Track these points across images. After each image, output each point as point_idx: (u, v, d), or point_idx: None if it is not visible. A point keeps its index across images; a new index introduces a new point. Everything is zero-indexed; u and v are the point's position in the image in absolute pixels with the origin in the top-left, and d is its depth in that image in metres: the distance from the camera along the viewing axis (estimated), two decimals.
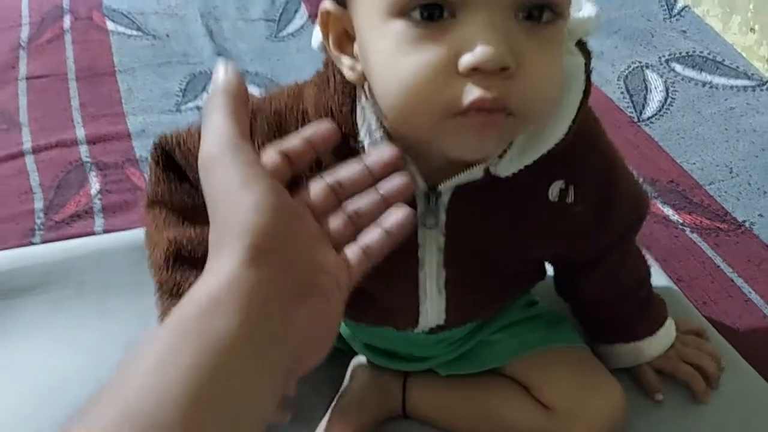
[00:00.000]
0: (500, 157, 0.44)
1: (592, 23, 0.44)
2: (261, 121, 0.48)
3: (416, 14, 0.36)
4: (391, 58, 0.37)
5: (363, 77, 0.41)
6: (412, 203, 0.45)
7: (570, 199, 0.48)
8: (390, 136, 0.43)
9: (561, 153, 0.45)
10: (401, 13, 0.36)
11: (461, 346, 0.62)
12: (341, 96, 0.44)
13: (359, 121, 0.44)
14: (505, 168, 0.45)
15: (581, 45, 0.45)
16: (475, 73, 0.35)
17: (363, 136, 0.44)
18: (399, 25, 0.37)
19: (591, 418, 0.58)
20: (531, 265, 0.59)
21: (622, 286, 0.62)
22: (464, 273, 0.51)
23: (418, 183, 0.46)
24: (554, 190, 0.48)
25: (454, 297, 0.53)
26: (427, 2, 0.35)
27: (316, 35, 0.45)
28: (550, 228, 0.50)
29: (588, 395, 0.59)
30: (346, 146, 0.45)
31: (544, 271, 0.62)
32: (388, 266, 0.46)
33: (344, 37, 0.41)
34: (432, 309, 0.53)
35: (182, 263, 0.52)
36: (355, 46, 0.41)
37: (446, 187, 0.46)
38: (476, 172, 0.45)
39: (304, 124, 0.46)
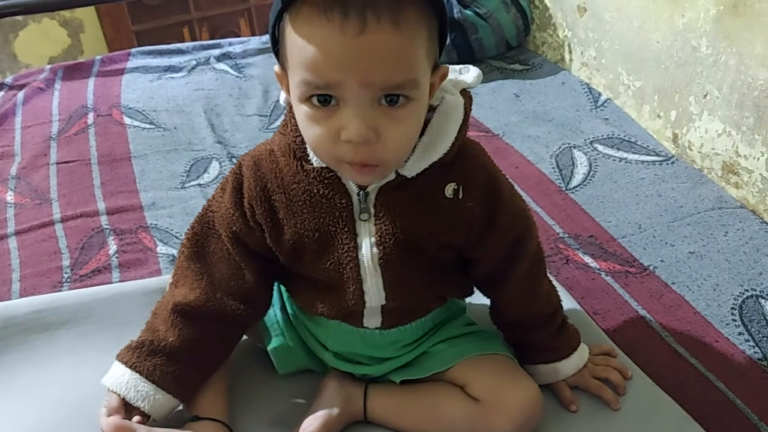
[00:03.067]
0: (405, 162, 0.63)
1: (470, 84, 0.66)
2: (245, 167, 0.69)
3: (315, 100, 0.56)
4: (304, 126, 0.59)
5: None
6: (349, 201, 0.65)
7: (461, 195, 0.66)
8: None
9: (452, 163, 0.65)
10: (306, 99, 0.57)
11: (411, 351, 0.75)
12: (295, 133, 0.64)
13: (308, 147, 0.64)
14: (409, 170, 0.64)
15: (465, 91, 0.66)
16: (350, 142, 0.56)
17: (312, 156, 0.64)
18: (305, 107, 0.57)
19: (510, 409, 0.69)
20: (450, 258, 0.71)
21: (537, 311, 0.75)
22: (392, 251, 0.66)
23: (351, 186, 0.65)
24: (449, 190, 0.66)
25: (387, 274, 0.68)
26: (320, 93, 0.56)
27: (283, 95, 0.66)
28: (450, 218, 0.67)
29: (508, 390, 0.70)
30: (301, 167, 0.65)
31: (471, 287, 0.76)
32: (338, 254, 0.66)
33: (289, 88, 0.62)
34: (372, 285, 0.68)
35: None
36: None
37: (372, 187, 0.65)
38: (390, 175, 0.64)
39: (273, 159, 0.67)
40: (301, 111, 0.58)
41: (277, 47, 0.60)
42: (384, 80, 0.55)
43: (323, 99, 0.56)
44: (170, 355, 0.70)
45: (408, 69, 0.56)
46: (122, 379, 0.69)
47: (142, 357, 0.70)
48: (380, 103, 0.56)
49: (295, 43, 0.55)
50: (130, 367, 0.69)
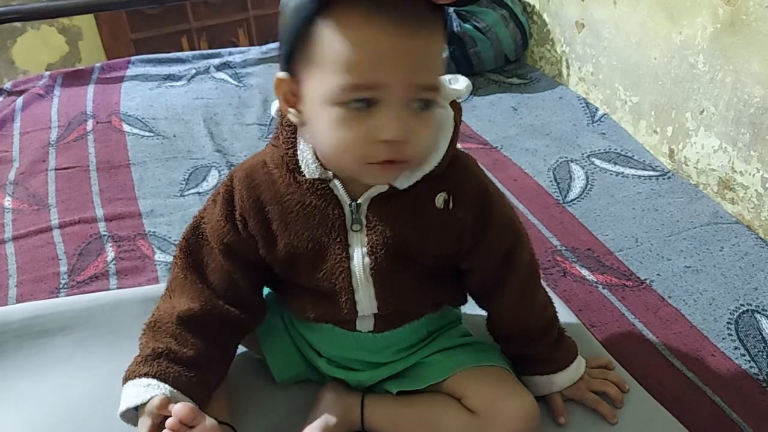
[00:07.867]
0: None
1: (462, 93, 0.68)
2: (236, 180, 0.70)
3: (352, 105, 0.57)
4: (331, 129, 0.58)
5: (304, 123, 0.62)
6: (341, 212, 0.66)
7: (451, 206, 0.67)
8: (324, 166, 0.64)
9: (443, 174, 0.66)
10: (341, 103, 0.57)
11: (405, 357, 0.75)
12: (287, 145, 0.65)
13: (300, 159, 0.65)
14: (401, 182, 0.65)
15: (454, 103, 0.68)
16: (386, 142, 0.58)
17: (304, 168, 0.65)
18: (337, 110, 0.58)
19: (507, 421, 0.69)
20: (442, 268, 0.72)
21: (533, 324, 0.76)
22: (384, 261, 0.67)
23: (344, 198, 0.66)
24: (439, 200, 0.67)
25: (378, 282, 0.68)
26: (360, 97, 0.57)
27: (274, 106, 0.66)
28: (440, 229, 0.67)
29: (504, 402, 0.70)
30: (294, 179, 0.66)
31: (465, 296, 0.77)
32: (330, 265, 0.67)
33: (290, 96, 0.62)
34: (364, 294, 0.69)
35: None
36: (301, 104, 0.61)
37: (364, 199, 0.66)
38: (382, 187, 0.65)
39: (266, 170, 0.67)
40: (330, 114, 0.58)
41: (291, 52, 0.59)
42: (422, 81, 0.58)
43: (361, 104, 0.57)
44: (188, 363, 0.69)
45: (437, 73, 0.60)
46: (151, 388, 0.66)
47: (164, 366, 0.68)
48: (411, 107, 0.58)
49: (336, 45, 0.56)
50: (154, 377, 0.67)
